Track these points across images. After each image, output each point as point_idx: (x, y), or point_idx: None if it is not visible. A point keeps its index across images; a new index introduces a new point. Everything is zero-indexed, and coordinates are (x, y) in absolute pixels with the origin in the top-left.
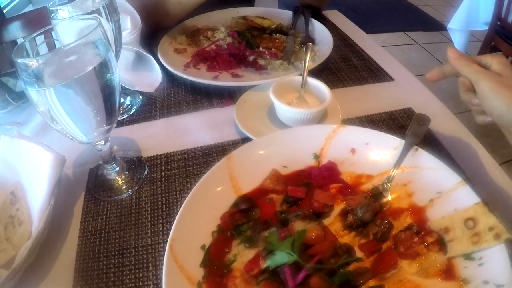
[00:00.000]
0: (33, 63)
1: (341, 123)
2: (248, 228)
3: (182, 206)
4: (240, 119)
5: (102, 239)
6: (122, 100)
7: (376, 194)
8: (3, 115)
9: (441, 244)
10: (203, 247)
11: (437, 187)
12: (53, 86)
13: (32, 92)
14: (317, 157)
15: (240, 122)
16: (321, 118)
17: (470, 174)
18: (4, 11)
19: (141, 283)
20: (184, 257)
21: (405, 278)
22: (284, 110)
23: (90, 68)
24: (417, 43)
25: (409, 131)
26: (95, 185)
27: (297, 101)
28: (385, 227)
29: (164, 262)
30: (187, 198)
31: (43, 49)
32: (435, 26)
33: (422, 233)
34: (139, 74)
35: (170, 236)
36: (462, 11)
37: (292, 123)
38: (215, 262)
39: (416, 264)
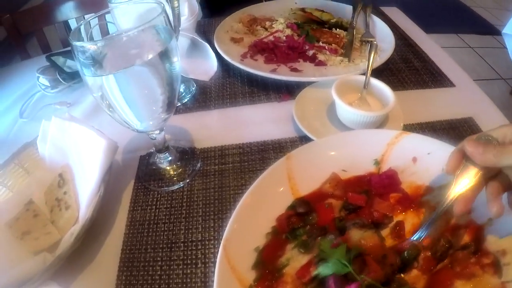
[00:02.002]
0: (92, 46)
1: (402, 128)
2: (304, 232)
3: (238, 205)
4: (299, 117)
5: (150, 230)
6: None
7: None
8: (53, 95)
9: (496, 266)
10: (256, 249)
11: None
12: (112, 72)
13: (89, 77)
14: (377, 163)
15: (299, 120)
16: (383, 121)
17: None
18: None
19: (188, 280)
20: (237, 258)
21: None
22: (345, 111)
23: (153, 55)
24: (469, 46)
25: None
26: (146, 173)
27: (358, 102)
28: (446, 245)
29: (217, 263)
30: (243, 197)
31: (96, 32)
32: (489, 29)
33: (479, 253)
34: (194, 61)
35: (224, 236)
36: None
37: (352, 125)
38: (267, 265)
39: (470, 286)
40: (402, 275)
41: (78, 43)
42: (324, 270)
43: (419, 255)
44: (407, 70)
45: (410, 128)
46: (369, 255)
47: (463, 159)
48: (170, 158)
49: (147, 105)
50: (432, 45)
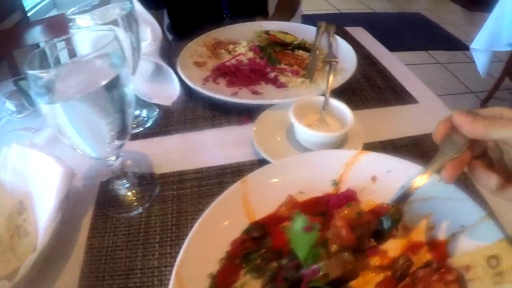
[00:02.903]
0: (44, 74)
1: (363, 147)
2: (258, 256)
3: (192, 230)
4: (258, 139)
5: (108, 257)
6: (137, 112)
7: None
8: (18, 120)
9: (461, 282)
10: (210, 275)
11: (460, 221)
12: (62, 101)
13: (42, 105)
14: (336, 184)
15: (258, 143)
16: (342, 141)
17: (496, 208)
18: (29, 14)
19: None
20: (190, 285)
21: None
22: (303, 132)
23: (103, 83)
24: (439, 62)
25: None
26: (105, 200)
27: (318, 123)
28: (406, 264)
29: None
30: (197, 223)
31: (64, 55)
32: (458, 45)
33: (442, 270)
34: (157, 86)
35: (177, 262)
36: (486, 31)
37: (311, 146)
38: None
39: None
40: (377, 244)
41: (31, 71)
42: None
43: (400, 221)
44: (370, 88)
45: (371, 146)
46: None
47: (449, 131)
48: (127, 184)
49: (98, 133)
50: (396, 63)
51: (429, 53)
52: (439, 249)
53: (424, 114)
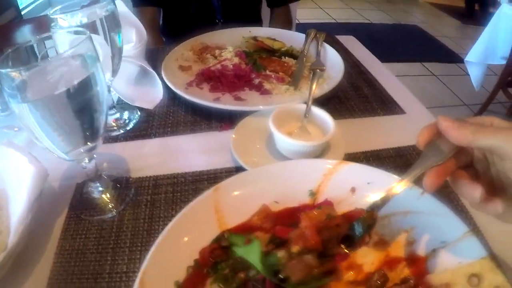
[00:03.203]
0: (15, 74)
1: (344, 157)
2: (227, 266)
3: (160, 236)
4: (236, 147)
5: (78, 260)
6: (118, 115)
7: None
8: (2, 118)
9: None
10: (176, 283)
11: (441, 236)
12: (31, 101)
13: (13, 105)
14: (313, 194)
15: (236, 150)
16: (323, 150)
17: (481, 224)
18: (23, 13)
19: None
20: None
21: None
22: (282, 141)
23: (72, 84)
24: (433, 74)
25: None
26: (79, 202)
27: (299, 131)
28: (381, 280)
29: None
30: (166, 229)
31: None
32: (452, 58)
33: (420, 287)
34: (140, 89)
35: (142, 268)
36: (480, 44)
37: (291, 155)
38: None
39: None
40: (347, 250)
41: (1, 70)
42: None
43: (373, 227)
44: (357, 98)
45: (353, 157)
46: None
47: (434, 137)
48: (101, 188)
49: (69, 134)
50: (386, 73)
51: (424, 64)
52: (418, 265)
53: (411, 125)
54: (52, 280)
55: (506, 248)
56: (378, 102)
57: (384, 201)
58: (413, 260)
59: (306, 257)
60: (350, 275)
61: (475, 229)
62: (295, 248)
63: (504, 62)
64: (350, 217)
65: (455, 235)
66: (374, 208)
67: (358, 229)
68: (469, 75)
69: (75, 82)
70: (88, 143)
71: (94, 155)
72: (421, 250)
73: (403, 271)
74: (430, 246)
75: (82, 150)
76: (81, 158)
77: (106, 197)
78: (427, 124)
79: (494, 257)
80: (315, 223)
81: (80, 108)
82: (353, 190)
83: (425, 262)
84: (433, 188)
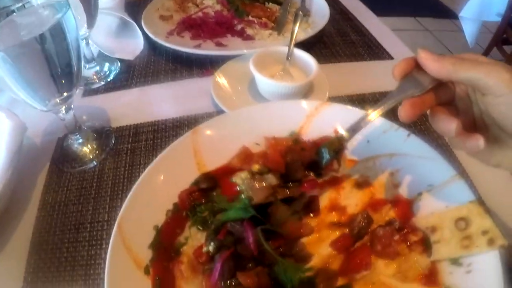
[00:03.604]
0: None
1: (328, 100)
2: (206, 209)
3: (138, 180)
4: (216, 91)
5: (60, 212)
6: (98, 68)
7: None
8: None
9: (425, 244)
10: (155, 227)
11: (428, 179)
12: (1, 50)
13: None
14: (295, 135)
15: (216, 94)
16: (306, 93)
17: (468, 168)
18: None
19: (92, 261)
20: (134, 238)
21: (379, 280)
22: (264, 83)
23: (41, 31)
24: (427, 30)
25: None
26: (61, 155)
27: (281, 74)
28: (364, 221)
29: (111, 243)
30: (144, 172)
31: None
32: (447, 13)
33: (405, 230)
34: (120, 41)
35: (120, 213)
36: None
37: (273, 98)
38: (165, 244)
39: (394, 266)
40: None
41: None
42: (227, 216)
43: (341, 153)
44: (343, 43)
45: (338, 100)
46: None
47: (413, 70)
48: (81, 140)
49: (43, 83)
50: (374, 20)
51: (418, 19)
52: (403, 208)
53: None
54: (35, 234)
55: (494, 194)
56: (364, 48)
57: (355, 128)
58: (398, 202)
59: (267, 176)
60: (332, 216)
61: (462, 173)
62: (255, 167)
63: (499, 19)
64: (317, 143)
65: (442, 178)
66: (342, 135)
67: (325, 154)
68: (463, 31)
69: (45, 29)
70: (64, 92)
71: (72, 106)
72: (407, 192)
73: (388, 213)
74: (416, 189)
75: (58, 101)
76: (58, 109)
77: (86, 148)
78: (406, 57)
79: (481, 202)
80: (279, 146)
81: (52, 56)
82: (335, 131)
83: (411, 205)
84: (408, 118)
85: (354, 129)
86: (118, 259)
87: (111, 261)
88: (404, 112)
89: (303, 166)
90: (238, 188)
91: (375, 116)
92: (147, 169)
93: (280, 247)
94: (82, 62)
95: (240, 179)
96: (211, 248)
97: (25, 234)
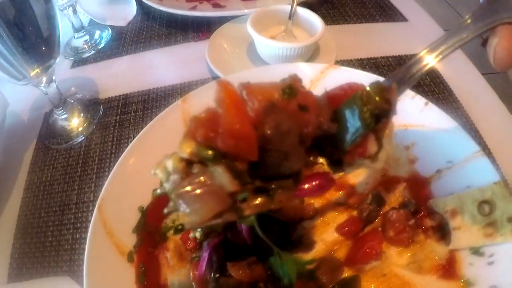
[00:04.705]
0: None
1: (335, 64)
2: None
3: (121, 156)
4: (212, 55)
5: (46, 192)
6: (88, 37)
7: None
8: None
9: (444, 231)
10: (140, 208)
11: (448, 155)
12: None
13: None
14: None
15: (212, 58)
16: (311, 56)
17: (492, 146)
18: None
19: (77, 245)
20: (116, 221)
21: (391, 271)
22: (263, 45)
23: None
24: None
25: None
26: (47, 131)
27: (283, 35)
28: (375, 203)
29: (90, 227)
30: (128, 147)
31: None
32: None
33: (421, 213)
34: (112, 7)
35: (101, 194)
36: None
37: (274, 61)
38: (150, 227)
39: (408, 254)
40: (328, 166)
41: None
42: None
43: (386, 121)
44: (352, 3)
45: (347, 64)
46: None
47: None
48: (66, 114)
49: (20, 51)
50: None
51: None
52: (420, 187)
53: (414, 34)
54: (21, 216)
55: None
56: (376, 8)
57: (405, 78)
58: (414, 181)
59: (213, 170)
60: (339, 196)
61: (485, 149)
62: (185, 149)
63: None
64: (335, 98)
65: (463, 154)
66: (387, 86)
67: (353, 120)
68: None
69: None
70: (41, 63)
71: (53, 78)
72: (424, 170)
73: (403, 193)
74: (434, 166)
75: (38, 71)
76: (39, 82)
77: (73, 122)
78: None
79: (507, 183)
80: (251, 99)
81: (27, 21)
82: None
83: (428, 184)
84: (508, 58)
85: (404, 80)
86: (98, 246)
87: (91, 248)
88: (503, 46)
89: (304, 145)
90: (159, 190)
91: (437, 58)
92: (131, 143)
93: (278, 232)
94: (59, 30)
95: (163, 173)
96: (197, 234)
97: (12, 215)
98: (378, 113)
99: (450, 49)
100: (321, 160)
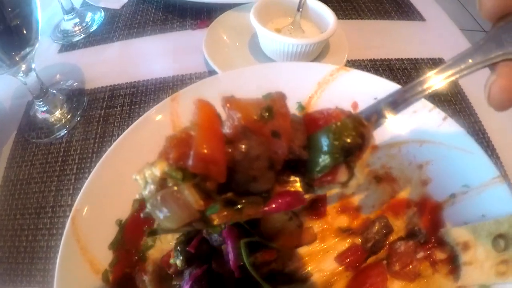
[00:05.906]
0: None
1: (346, 64)
2: None
3: (100, 160)
4: (209, 46)
5: (22, 191)
6: (78, 20)
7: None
8: None
9: (453, 264)
10: (118, 222)
11: (464, 178)
12: None
13: None
14: (302, 108)
15: (209, 50)
16: (320, 54)
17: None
18: None
19: (51, 254)
20: (91, 235)
21: None
22: (268, 39)
23: None
24: None
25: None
26: (27, 122)
27: (289, 28)
28: (382, 232)
29: (62, 241)
30: (108, 150)
31: None
32: None
33: (430, 244)
34: None
35: (75, 204)
36: None
37: (278, 57)
38: (128, 244)
39: None
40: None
41: None
42: None
43: (360, 151)
44: None
45: (358, 65)
46: None
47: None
48: (46, 106)
49: None
50: None
51: None
52: (431, 213)
53: (431, 35)
54: None
55: None
56: (393, 4)
57: (399, 102)
58: (425, 205)
59: (182, 189)
60: (342, 220)
61: (506, 175)
62: (160, 166)
63: None
64: (313, 122)
65: (481, 179)
66: (371, 114)
67: (325, 148)
68: None
69: None
70: (19, 49)
71: (32, 66)
72: (437, 193)
73: (412, 220)
74: (449, 189)
75: (17, 58)
76: (16, 70)
77: (55, 115)
78: None
79: None
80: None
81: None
82: (354, 105)
83: (441, 211)
84: (507, 103)
85: (396, 104)
86: (71, 262)
87: (62, 265)
88: (502, 87)
89: (274, 169)
90: (138, 196)
91: (440, 83)
92: (112, 145)
93: (272, 262)
94: (37, 14)
95: (142, 180)
96: (178, 262)
97: None
98: (349, 148)
99: (457, 75)
100: (295, 178)
